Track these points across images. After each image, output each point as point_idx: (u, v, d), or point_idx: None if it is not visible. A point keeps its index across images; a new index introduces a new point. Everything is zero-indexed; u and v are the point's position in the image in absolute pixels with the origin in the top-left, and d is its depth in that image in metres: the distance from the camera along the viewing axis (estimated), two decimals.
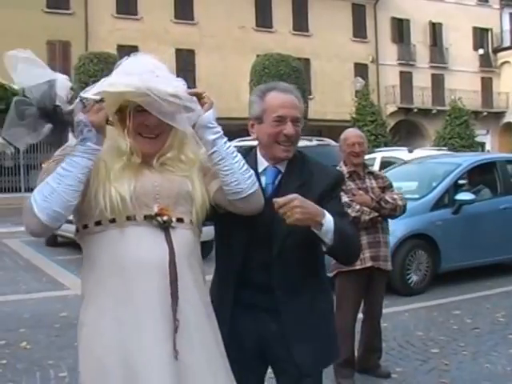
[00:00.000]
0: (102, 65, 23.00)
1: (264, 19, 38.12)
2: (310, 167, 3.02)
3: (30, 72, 2.56)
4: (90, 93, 2.46)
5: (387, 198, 5.64)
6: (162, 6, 34.62)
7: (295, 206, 2.61)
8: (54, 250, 14.25)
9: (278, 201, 2.63)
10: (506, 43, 48.71)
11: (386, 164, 16.56)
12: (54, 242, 14.94)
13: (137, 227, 2.51)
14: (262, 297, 2.92)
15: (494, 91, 47.83)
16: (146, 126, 2.57)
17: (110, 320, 2.49)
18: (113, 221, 2.51)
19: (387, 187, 5.83)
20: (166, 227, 2.54)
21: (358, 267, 5.34)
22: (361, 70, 40.70)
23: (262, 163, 3.00)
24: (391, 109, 42.28)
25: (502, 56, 48.10)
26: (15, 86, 2.68)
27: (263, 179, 2.96)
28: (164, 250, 2.51)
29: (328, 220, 2.71)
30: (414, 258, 9.09)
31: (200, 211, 2.67)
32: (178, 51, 34.92)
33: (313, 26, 39.78)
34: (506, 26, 49.08)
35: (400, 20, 43.74)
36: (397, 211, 5.71)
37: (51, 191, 2.40)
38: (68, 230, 14.05)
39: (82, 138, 2.41)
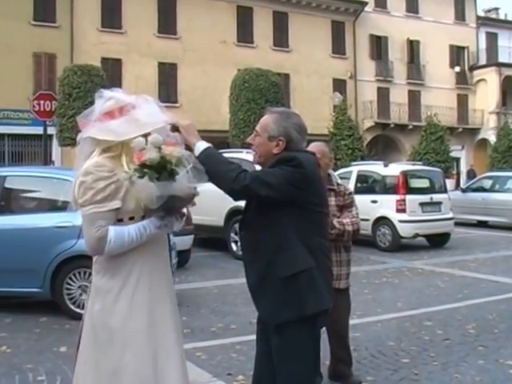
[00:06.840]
0: (86, 77, 23.01)
1: (245, 34, 38.30)
2: None
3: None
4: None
5: (334, 222, 5.33)
6: (146, 20, 34.70)
7: (182, 125, 3.45)
8: None
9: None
10: (482, 61, 49.26)
11: (362, 177, 17.15)
12: None
13: None
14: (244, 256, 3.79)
15: (469, 108, 48.20)
16: None
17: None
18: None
19: (346, 206, 5.60)
20: None
21: None
22: (339, 85, 40.86)
23: None
24: (368, 124, 42.48)
25: (478, 74, 48.58)
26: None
27: None
28: None
29: (197, 148, 3.42)
30: None
31: None
32: (161, 65, 35.07)
33: (293, 42, 39.98)
34: (482, 45, 49.68)
35: (378, 37, 44.03)
36: (344, 237, 5.42)
37: (130, 243, 3.24)
38: None
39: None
